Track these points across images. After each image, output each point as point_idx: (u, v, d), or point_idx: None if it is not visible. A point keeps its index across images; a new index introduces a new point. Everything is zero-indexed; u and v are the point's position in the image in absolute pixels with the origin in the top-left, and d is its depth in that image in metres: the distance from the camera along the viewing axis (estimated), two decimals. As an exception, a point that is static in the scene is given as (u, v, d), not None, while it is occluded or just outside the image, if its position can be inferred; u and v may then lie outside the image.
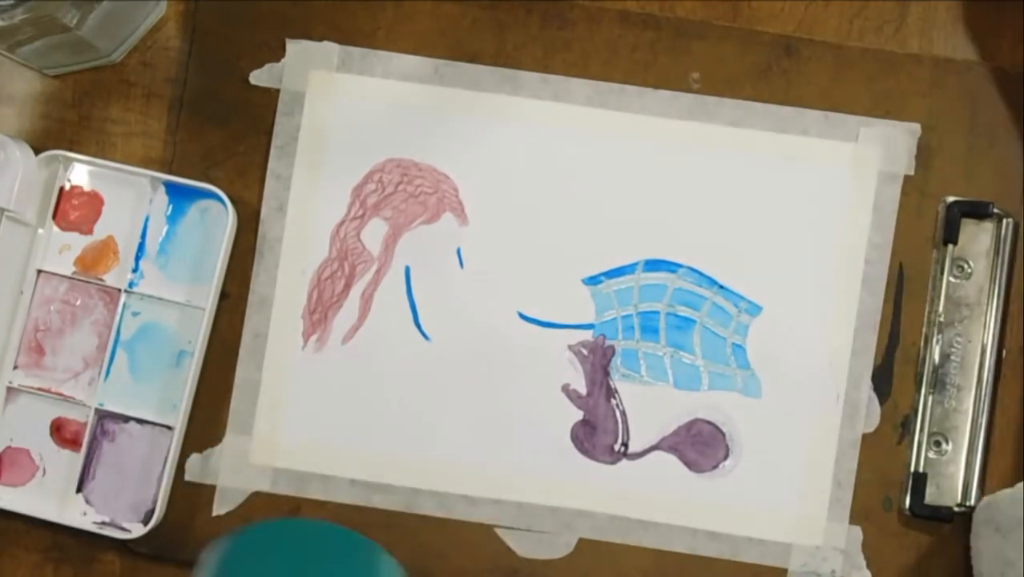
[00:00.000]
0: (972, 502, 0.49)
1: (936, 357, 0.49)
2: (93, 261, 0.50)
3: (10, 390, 0.50)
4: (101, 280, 0.50)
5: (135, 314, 0.50)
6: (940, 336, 0.49)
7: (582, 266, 0.50)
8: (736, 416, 0.49)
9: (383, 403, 0.49)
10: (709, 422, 0.49)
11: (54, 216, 0.50)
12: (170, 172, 0.50)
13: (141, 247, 0.50)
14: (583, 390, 0.50)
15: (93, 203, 0.51)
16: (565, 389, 0.50)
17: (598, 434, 0.49)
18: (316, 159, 0.50)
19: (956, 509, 0.49)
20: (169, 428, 0.49)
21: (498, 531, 0.49)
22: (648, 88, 0.50)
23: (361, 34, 0.51)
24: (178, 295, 0.50)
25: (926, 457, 0.49)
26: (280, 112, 0.50)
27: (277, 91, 0.50)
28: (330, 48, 0.50)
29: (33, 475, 0.50)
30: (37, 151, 0.50)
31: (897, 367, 0.50)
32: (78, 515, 0.49)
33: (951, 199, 0.50)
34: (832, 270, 0.50)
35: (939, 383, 0.49)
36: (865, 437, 0.49)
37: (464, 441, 0.49)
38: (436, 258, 0.50)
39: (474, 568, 0.49)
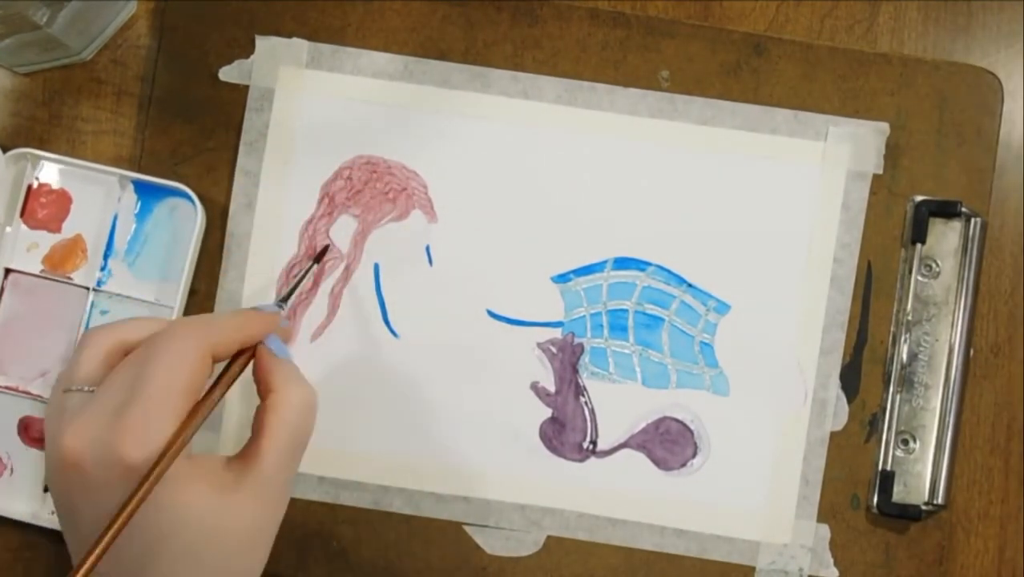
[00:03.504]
0: (940, 500, 0.49)
1: (904, 356, 0.49)
2: (61, 259, 0.50)
3: (-23, 388, 0.50)
4: (69, 278, 0.50)
5: (103, 312, 0.50)
6: (908, 335, 0.50)
7: (551, 264, 0.50)
8: (704, 414, 0.49)
9: (351, 401, 0.49)
10: (677, 420, 0.49)
11: (22, 214, 0.50)
12: (139, 169, 0.50)
13: (109, 245, 0.50)
14: (552, 388, 0.50)
15: (61, 201, 0.50)
16: (534, 387, 0.50)
17: (567, 432, 0.49)
18: (285, 156, 0.50)
19: (924, 507, 0.49)
20: (138, 426, 0.49)
21: (467, 528, 0.49)
22: (618, 86, 0.50)
23: (331, 31, 0.51)
24: (147, 293, 0.50)
25: (894, 455, 0.49)
26: (249, 108, 0.50)
27: (246, 87, 0.50)
28: (300, 45, 0.50)
29: (0, 474, 0.50)
30: (7, 149, 0.49)
31: (865, 366, 0.50)
32: (47, 514, 0.49)
33: (919, 198, 0.50)
34: (800, 269, 0.50)
35: (907, 382, 0.50)
36: (833, 435, 0.49)
37: (432, 438, 0.49)
38: (405, 255, 0.50)
39: (443, 565, 0.49)
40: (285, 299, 0.45)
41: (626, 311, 0.50)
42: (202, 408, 0.36)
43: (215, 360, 0.37)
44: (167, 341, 0.36)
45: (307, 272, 0.48)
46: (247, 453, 0.37)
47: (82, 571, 0.32)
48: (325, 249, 0.49)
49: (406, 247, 0.50)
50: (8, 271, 0.50)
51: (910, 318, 0.50)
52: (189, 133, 0.50)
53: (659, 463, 0.49)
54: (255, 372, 0.39)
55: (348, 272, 0.50)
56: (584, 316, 0.50)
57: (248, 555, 0.37)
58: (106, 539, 0.33)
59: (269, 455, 0.37)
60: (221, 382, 0.38)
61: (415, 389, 0.49)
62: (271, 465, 0.37)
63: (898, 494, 0.49)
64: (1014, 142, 0.52)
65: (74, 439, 0.35)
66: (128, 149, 0.51)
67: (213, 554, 0.36)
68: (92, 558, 0.33)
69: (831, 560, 0.49)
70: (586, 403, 0.50)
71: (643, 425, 0.49)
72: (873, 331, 0.50)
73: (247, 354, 0.39)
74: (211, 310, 0.50)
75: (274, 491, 0.37)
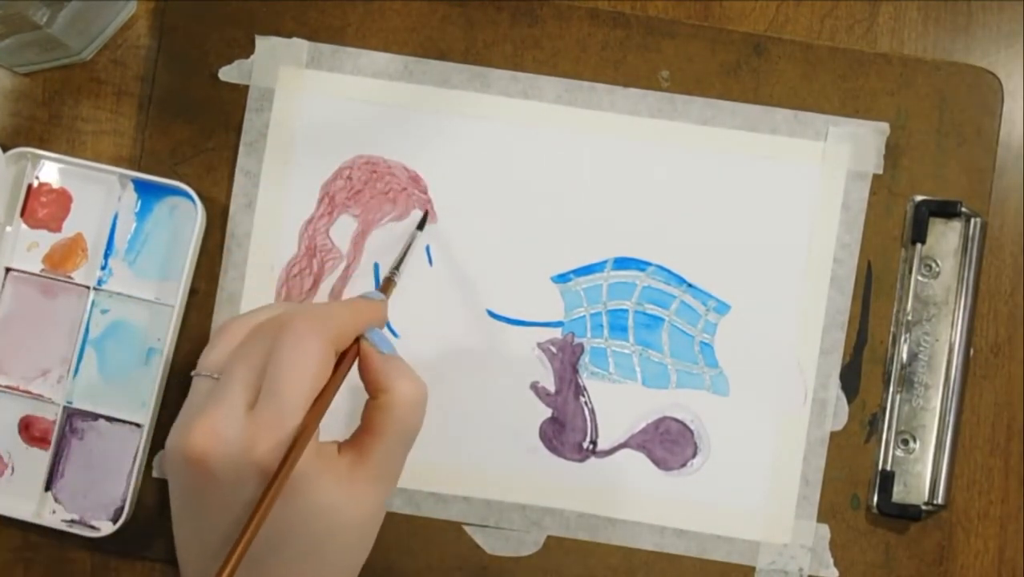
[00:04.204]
0: (940, 500, 0.49)
1: (904, 356, 0.49)
2: (61, 259, 0.50)
3: (-22, 388, 0.50)
4: (70, 278, 0.50)
5: (104, 312, 0.50)
6: (908, 335, 0.50)
7: (551, 264, 0.50)
8: (704, 414, 0.49)
9: (351, 400, 0.49)
10: (677, 420, 0.49)
11: (22, 214, 0.50)
12: (139, 169, 0.50)
13: (110, 244, 0.50)
14: (552, 388, 0.50)
15: (61, 200, 0.50)
16: (534, 387, 0.50)
17: (567, 432, 0.49)
18: (285, 155, 0.50)
19: (924, 507, 0.49)
20: (138, 426, 0.49)
21: (467, 528, 0.49)
22: (617, 86, 0.50)
23: (331, 31, 0.51)
24: (147, 292, 0.50)
25: (894, 455, 0.49)
26: (249, 108, 0.50)
27: (246, 87, 0.50)
28: (300, 45, 0.50)
29: (1, 474, 0.50)
30: (7, 149, 0.49)
31: (865, 366, 0.50)
32: (47, 514, 0.49)
33: (919, 198, 0.50)
34: (800, 269, 0.50)
35: (907, 382, 0.50)
36: (833, 435, 0.49)
37: (433, 438, 0.49)
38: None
39: (442, 565, 0.49)
40: (396, 267, 0.46)
41: (626, 311, 0.50)
42: (322, 402, 0.36)
43: (336, 351, 0.38)
44: (295, 338, 0.36)
45: (412, 242, 0.48)
46: (361, 446, 0.37)
47: (227, 570, 0.32)
48: (426, 216, 0.49)
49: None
50: (8, 270, 0.50)
51: (910, 318, 0.50)
52: (189, 133, 0.50)
53: (659, 463, 0.49)
54: (361, 370, 0.39)
55: (348, 272, 0.50)
56: (584, 316, 0.50)
57: (361, 546, 0.38)
58: (246, 537, 0.33)
59: (383, 451, 0.37)
60: (335, 377, 0.37)
61: (415, 389, 0.49)
62: (386, 461, 0.37)
63: (898, 494, 0.49)
64: (1014, 142, 0.52)
65: (202, 437, 0.35)
66: (128, 149, 0.52)
67: (334, 546, 0.36)
68: (235, 558, 0.33)
69: (831, 560, 0.49)
70: (586, 403, 0.50)
71: (643, 425, 0.49)
72: (873, 331, 0.50)
73: (354, 348, 0.39)
74: (211, 310, 0.50)
75: (388, 484, 0.38)
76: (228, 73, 0.50)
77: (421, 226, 0.49)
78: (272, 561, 0.36)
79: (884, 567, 0.49)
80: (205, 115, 0.50)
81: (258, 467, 0.34)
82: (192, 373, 0.38)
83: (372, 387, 0.38)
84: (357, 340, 0.39)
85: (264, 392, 0.35)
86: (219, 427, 0.35)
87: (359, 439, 0.38)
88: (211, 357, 0.38)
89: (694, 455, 0.49)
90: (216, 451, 0.34)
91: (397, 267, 0.46)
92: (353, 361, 0.39)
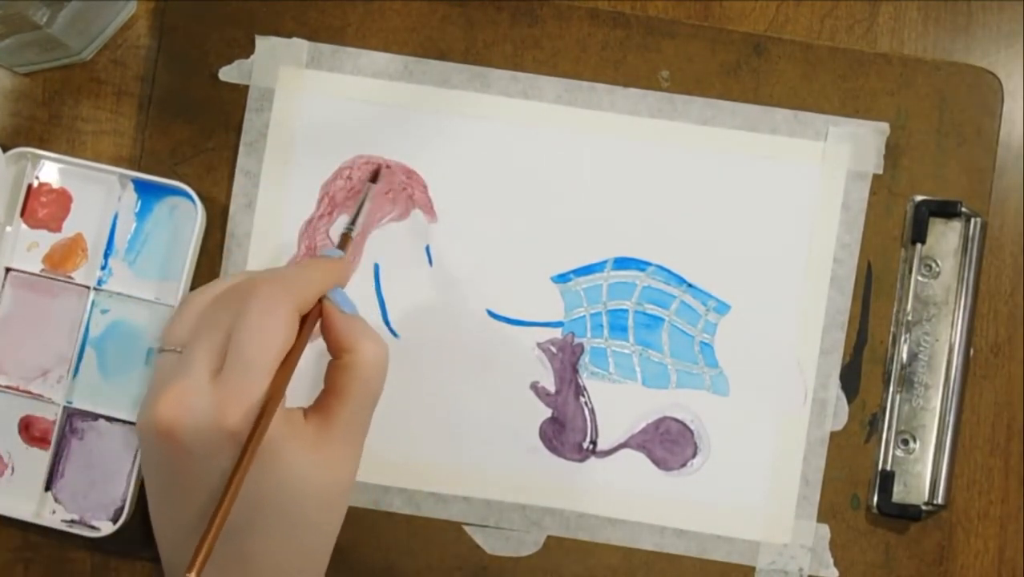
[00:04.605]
0: (940, 500, 0.49)
1: (904, 356, 0.49)
2: (62, 258, 0.50)
3: (-22, 388, 0.50)
4: (70, 278, 0.50)
5: (104, 311, 0.50)
6: (908, 335, 0.50)
7: (551, 264, 0.50)
8: (704, 414, 0.49)
9: (351, 401, 0.49)
10: (677, 420, 0.50)
11: (22, 213, 0.50)
12: (139, 169, 0.50)
13: (110, 244, 0.50)
14: (552, 388, 0.50)
15: (61, 200, 0.50)
16: (534, 387, 0.50)
17: (567, 432, 0.49)
18: (285, 156, 0.50)
19: (924, 507, 0.49)
20: (138, 425, 0.49)
21: (467, 528, 0.49)
22: (618, 86, 0.50)
23: (331, 31, 0.51)
24: (147, 292, 0.50)
25: (894, 455, 0.49)
26: (249, 108, 0.50)
27: (246, 87, 0.50)
28: (300, 44, 0.50)
29: (1, 474, 0.50)
30: (7, 149, 0.49)
31: (865, 366, 0.50)
32: (47, 514, 0.49)
33: (919, 198, 0.50)
34: (801, 269, 0.50)
35: (907, 382, 0.50)
36: (833, 435, 0.49)
37: (433, 438, 0.49)
38: (405, 255, 0.50)
39: (442, 566, 0.49)
40: (353, 222, 0.45)
41: (626, 311, 0.50)
42: (289, 366, 0.36)
43: (300, 314, 0.37)
44: (259, 304, 0.35)
45: (367, 196, 0.48)
46: (326, 409, 0.37)
47: (207, 542, 0.32)
48: (379, 170, 0.49)
49: (406, 247, 0.50)
50: (8, 270, 0.50)
51: (910, 318, 0.50)
52: (189, 133, 0.50)
53: (659, 463, 0.49)
54: (324, 330, 0.38)
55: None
56: (584, 316, 0.50)
57: (335, 512, 0.38)
58: (224, 506, 0.33)
59: (348, 413, 0.37)
60: (300, 340, 0.37)
61: (415, 389, 0.50)
62: (351, 423, 0.37)
63: (898, 494, 0.49)
64: (1014, 142, 0.52)
65: (168, 408, 0.34)
66: (128, 149, 0.52)
67: (308, 511, 0.36)
68: (214, 529, 0.32)
69: (831, 560, 0.49)
70: (586, 403, 0.50)
71: (643, 425, 0.49)
72: (873, 331, 0.50)
73: (317, 309, 0.38)
74: (211, 310, 0.50)
75: (355, 447, 0.38)
76: (228, 73, 0.50)
77: (374, 179, 0.49)
78: (247, 533, 0.35)
79: (884, 567, 0.49)
80: (205, 115, 0.50)
81: (229, 434, 0.34)
82: (155, 348, 0.37)
83: (335, 347, 0.38)
84: (320, 301, 0.39)
85: (230, 359, 0.35)
86: (186, 398, 0.34)
87: (324, 402, 0.37)
88: (173, 330, 0.37)
89: (694, 455, 0.49)
90: (184, 422, 0.34)
91: (353, 222, 0.46)
92: (316, 322, 0.38)
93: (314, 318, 0.38)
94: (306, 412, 0.37)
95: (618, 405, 0.49)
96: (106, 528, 0.48)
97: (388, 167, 0.49)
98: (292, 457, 0.35)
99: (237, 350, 0.35)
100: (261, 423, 0.34)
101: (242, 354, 0.35)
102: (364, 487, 0.49)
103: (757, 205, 0.50)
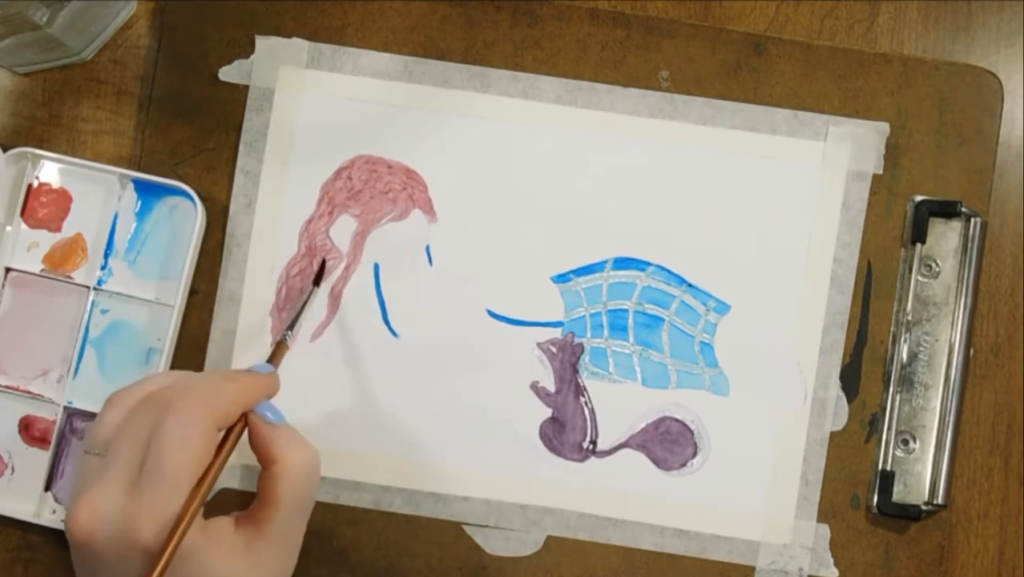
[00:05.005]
0: (940, 500, 0.49)
1: (904, 356, 0.49)
2: (62, 258, 0.50)
3: (-22, 388, 0.50)
4: (70, 277, 0.50)
5: (104, 311, 0.50)
6: (908, 335, 0.50)
7: (551, 264, 0.50)
8: (704, 414, 0.49)
9: (351, 400, 0.49)
10: (677, 420, 0.50)
11: (22, 213, 0.50)
12: (139, 169, 0.50)
13: (110, 244, 0.50)
14: (552, 388, 0.50)
15: (61, 200, 0.50)
16: (534, 387, 0.50)
17: (567, 432, 0.49)
18: (285, 156, 0.50)
19: (924, 507, 0.49)
20: (138, 425, 0.49)
21: (466, 528, 0.49)
22: (618, 86, 0.50)
23: (331, 31, 0.51)
24: (147, 292, 0.50)
25: (894, 455, 0.49)
26: (249, 108, 0.50)
27: (246, 87, 0.50)
28: (300, 44, 0.50)
29: (1, 474, 0.50)
30: (7, 149, 0.49)
31: (865, 366, 0.50)
32: (47, 513, 0.49)
33: (919, 198, 0.50)
34: (801, 269, 0.50)
35: (907, 382, 0.50)
36: (833, 435, 0.49)
37: (433, 439, 0.49)
38: (405, 255, 0.50)
39: (442, 566, 0.49)
40: (291, 327, 0.46)
41: (626, 311, 0.50)
42: (207, 479, 0.36)
43: (220, 430, 0.38)
44: (176, 416, 0.36)
45: (309, 297, 0.48)
46: (256, 517, 0.38)
47: None
48: (323, 268, 0.49)
49: (406, 247, 0.50)
50: (8, 270, 0.50)
51: (910, 318, 0.50)
52: (189, 133, 0.50)
53: (659, 463, 0.49)
54: (252, 442, 0.39)
55: (348, 272, 0.50)
56: (584, 316, 0.50)
57: None
58: None
59: (279, 520, 0.37)
60: (221, 454, 0.38)
61: (415, 389, 0.50)
62: (283, 530, 0.38)
63: (898, 494, 0.49)
64: (1014, 142, 0.52)
65: (84, 516, 0.35)
66: (128, 149, 0.52)
67: None
68: None
69: (831, 560, 0.49)
70: (586, 403, 0.50)
71: (643, 425, 0.49)
72: (873, 331, 0.50)
73: (242, 423, 0.39)
74: (211, 310, 0.50)
75: (288, 551, 0.38)
76: (228, 73, 0.50)
77: (317, 281, 0.49)
78: None
79: (884, 567, 0.49)
80: (205, 115, 0.50)
81: (142, 549, 0.34)
82: (83, 450, 0.38)
83: (262, 458, 0.39)
84: (245, 415, 0.39)
85: (146, 472, 0.35)
86: (101, 507, 0.35)
87: (255, 511, 0.38)
88: (97, 433, 0.38)
89: (694, 455, 0.49)
90: (99, 531, 0.35)
91: (291, 327, 0.46)
92: (239, 437, 0.39)
93: (238, 431, 0.39)
94: (238, 519, 0.38)
95: (618, 405, 0.49)
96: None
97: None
98: (216, 568, 0.36)
99: (153, 463, 0.35)
100: (174, 539, 0.34)
101: (158, 468, 0.35)
102: (364, 487, 0.49)
103: (757, 205, 0.50)
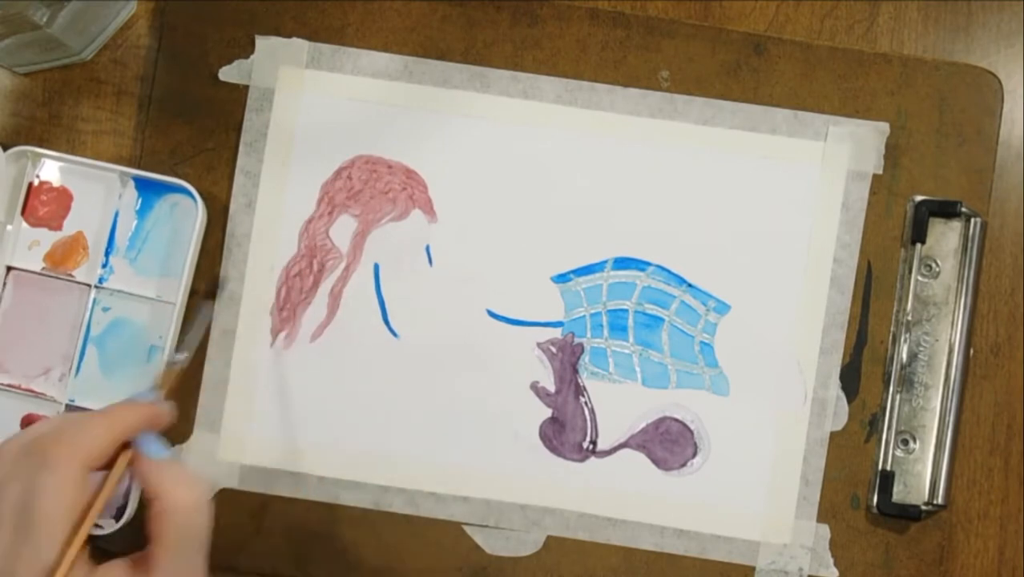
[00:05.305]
0: (939, 500, 0.49)
1: (904, 356, 0.49)
2: (63, 257, 0.50)
3: (-21, 387, 0.50)
4: (71, 276, 0.50)
5: (105, 309, 0.50)
6: (908, 335, 0.50)
7: (551, 264, 0.50)
8: (704, 414, 0.49)
9: (351, 400, 0.49)
10: (677, 420, 0.50)
11: (23, 212, 0.50)
12: (139, 169, 0.50)
13: (111, 242, 0.50)
14: (552, 388, 0.50)
15: (62, 199, 0.50)
16: (534, 387, 0.50)
17: (567, 432, 0.49)
18: (285, 155, 0.50)
19: (924, 507, 0.49)
20: (138, 425, 0.49)
21: (466, 528, 0.49)
22: (618, 86, 0.50)
23: (331, 31, 0.51)
24: (148, 290, 0.50)
25: (894, 455, 0.49)
26: (249, 108, 0.50)
27: (246, 87, 0.50)
28: (300, 45, 0.50)
29: (2, 472, 0.50)
30: (7, 148, 0.49)
31: (865, 366, 0.50)
32: (47, 512, 0.49)
33: (919, 198, 0.50)
34: (801, 269, 0.50)
35: (907, 382, 0.50)
36: (833, 435, 0.49)
37: (433, 438, 0.49)
38: (405, 255, 0.50)
39: (442, 565, 0.49)
40: (181, 348, 0.44)
41: (626, 311, 0.50)
42: (82, 526, 0.36)
43: (95, 469, 0.37)
44: (44, 468, 0.36)
45: (204, 319, 0.47)
46: (147, 558, 0.37)
47: None
48: (217, 282, 0.48)
49: (406, 247, 0.50)
50: (10, 269, 0.50)
51: (910, 318, 0.50)
52: (189, 133, 0.50)
53: (659, 463, 0.49)
54: (135, 476, 0.38)
55: (348, 272, 0.50)
56: (584, 316, 0.50)
57: None
58: None
59: (169, 559, 0.37)
60: (99, 495, 0.37)
61: (415, 389, 0.50)
62: (174, 572, 0.37)
63: (898, 494, 0.49)
64: (1014, 142, 0.52)
65: None
66: (128, 149, 0.52)
67: None
68: None
69: (831, 560, 0.49)
70: (586, 403, 0.50)
71: (643, 425, 0.49)
72: (873, 331, 0.50)
73: (123, 459, 0.38)
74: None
75: None
76: (228, 73, 0.50)
77: (213, 295, 0.48)
78: None
79: (884, 567, 0.49)
80: (205, 115, 0.50)
81: None
82: None
83: (144, 494, 0.38)
84: (128, 445, 0.38)
85: (21, 522, 0.35)
86: None
87: (147, 550, 0.37)
88: None
89: (694, 455, 0.49)
90: None
91: (181, 348, 0.44)
92: (121, 473, 0.38)
93: (120, 466, 0.38)
94: (133, 561, 0.37)
95: (618, 405, 0.49)
96: (108, 526, 0.48)
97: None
98: None
99: (26, 515, 0.35)
100: None
101: (30, 518, 0.35)
102: (363, 487, 0.49)
103: (757, 205, 0.50)
